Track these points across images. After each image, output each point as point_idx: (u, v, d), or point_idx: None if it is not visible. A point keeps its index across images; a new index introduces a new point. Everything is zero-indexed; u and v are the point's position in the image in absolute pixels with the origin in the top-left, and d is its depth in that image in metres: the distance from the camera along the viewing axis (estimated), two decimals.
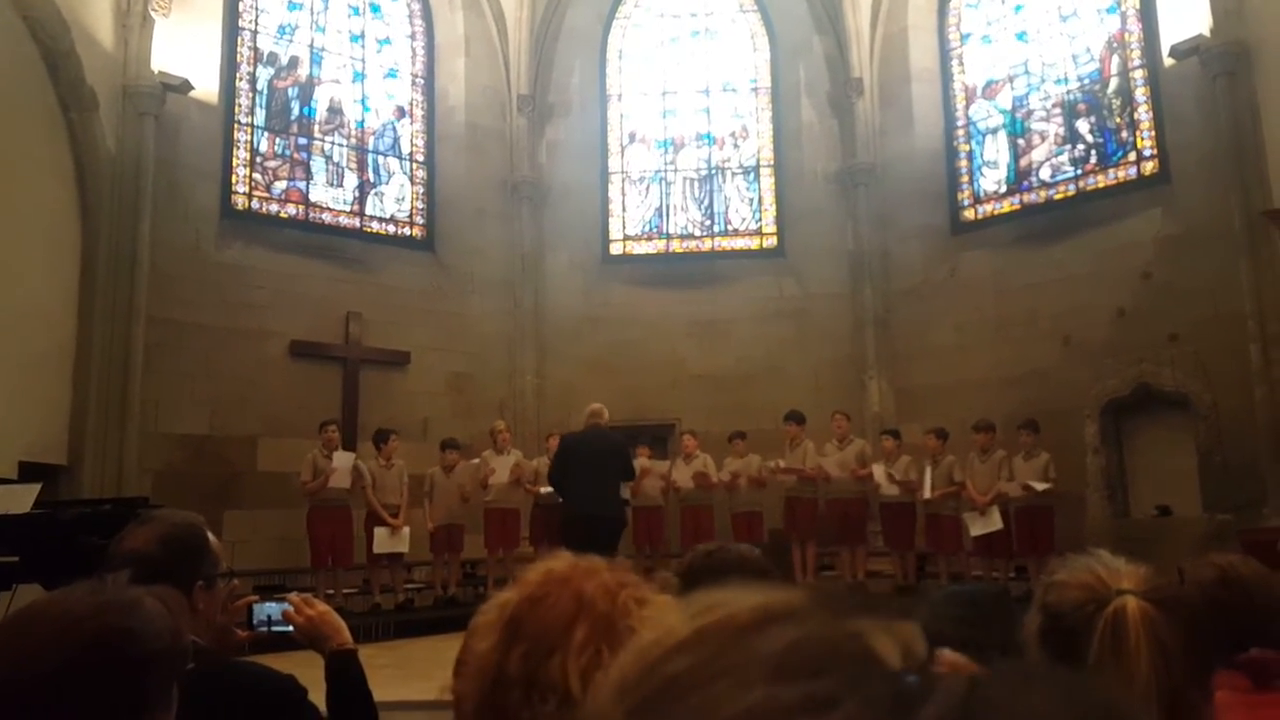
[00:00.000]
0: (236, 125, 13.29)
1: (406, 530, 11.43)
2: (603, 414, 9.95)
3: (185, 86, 12.23)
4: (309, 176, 13.95)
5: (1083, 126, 13.37)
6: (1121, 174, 12.83)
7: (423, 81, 15.22)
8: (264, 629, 2.84)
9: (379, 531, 11.24)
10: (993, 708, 0.48)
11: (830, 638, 0.52)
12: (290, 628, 2.69)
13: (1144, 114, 12.67)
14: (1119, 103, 13.00)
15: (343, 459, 11.13)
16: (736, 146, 15.84)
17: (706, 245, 15.61)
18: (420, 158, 15.02)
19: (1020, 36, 14.22)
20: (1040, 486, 10.84)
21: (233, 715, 2.23)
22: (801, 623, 0.54)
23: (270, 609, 2.85)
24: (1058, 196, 13.44)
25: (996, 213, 14.09)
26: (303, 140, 14.02)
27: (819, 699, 0.48)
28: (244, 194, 13.25)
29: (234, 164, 13.17)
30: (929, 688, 0.49)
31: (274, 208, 13.57)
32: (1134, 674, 1.46)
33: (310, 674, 2.58)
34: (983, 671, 0.51)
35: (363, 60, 14.76)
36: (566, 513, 9.74)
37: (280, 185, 13.70)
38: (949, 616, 2.53)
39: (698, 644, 0.55)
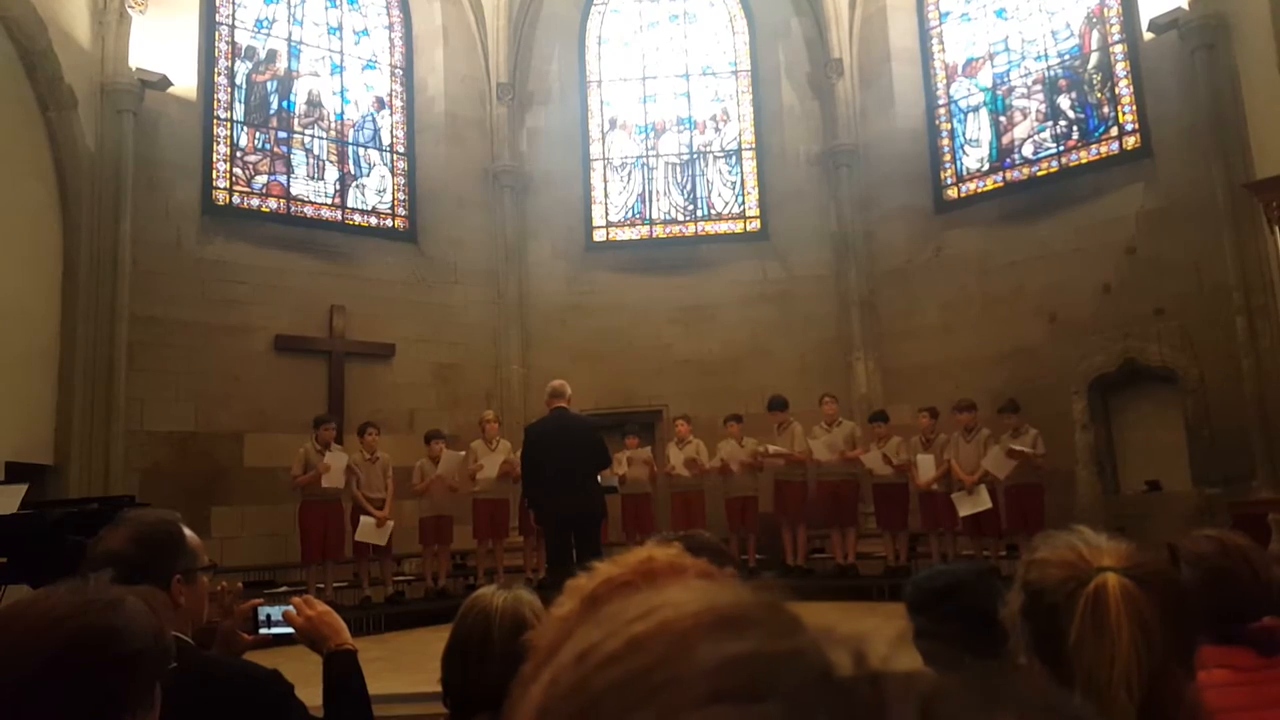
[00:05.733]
0: (216, 120, 13.22)
1: (391, 524, 11.35)
2: (564, 392, 8.84)
3: (163, 83, 12.16)
4: (289, 170, 13.88)
5: (1064, 102, 13.36)
6: (1104, 149, 12.81)
7: (401, 72, 15.15)
8: (266, 631, 2.84)
9: (364, 520, 11.12)
10: None
11: (777, 652, 0.48)
12: (291, 629, 2.69)
13: (1125, 89, 12.66)
14: (1099, 78, 13.00)
15: (337, 459, 11.04)
16: (718, 130, 15.81)
17: (690, 230, 15.57)
18: (400, 149, 14.95)
19: (999, 14, 14.20)
20: (1018, 446, 10.76)
21: (216, 712, 2.22)
22: (748, 632, 0.50)
23: (273, 611, 2.85)
24: (1040, 173, 13.43)
25: (980, 191, 14.08)
26: (282, 134, 13.94)
27: None
28: (225, 189, 13.18)
29: (214, 159, 13.10)
30: (880, 712, 0.45)
31: (255, 202, 13.49)
32: (1115, 651, 1.45)
33: (306, 669, 2.57)
34: (938, 686, 0.46)
35: (341, 52, 14.68)
36: (539, 514, 9.12)
37: (261, 179, 13.63)
38: (932, 596, 2.55)
39: (630, 655, 0.50)
